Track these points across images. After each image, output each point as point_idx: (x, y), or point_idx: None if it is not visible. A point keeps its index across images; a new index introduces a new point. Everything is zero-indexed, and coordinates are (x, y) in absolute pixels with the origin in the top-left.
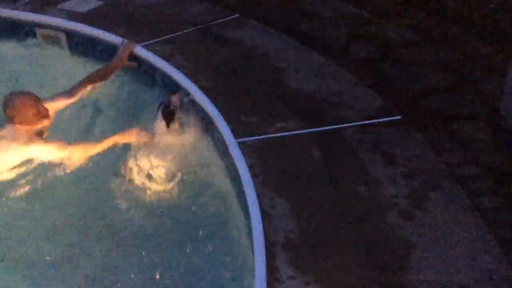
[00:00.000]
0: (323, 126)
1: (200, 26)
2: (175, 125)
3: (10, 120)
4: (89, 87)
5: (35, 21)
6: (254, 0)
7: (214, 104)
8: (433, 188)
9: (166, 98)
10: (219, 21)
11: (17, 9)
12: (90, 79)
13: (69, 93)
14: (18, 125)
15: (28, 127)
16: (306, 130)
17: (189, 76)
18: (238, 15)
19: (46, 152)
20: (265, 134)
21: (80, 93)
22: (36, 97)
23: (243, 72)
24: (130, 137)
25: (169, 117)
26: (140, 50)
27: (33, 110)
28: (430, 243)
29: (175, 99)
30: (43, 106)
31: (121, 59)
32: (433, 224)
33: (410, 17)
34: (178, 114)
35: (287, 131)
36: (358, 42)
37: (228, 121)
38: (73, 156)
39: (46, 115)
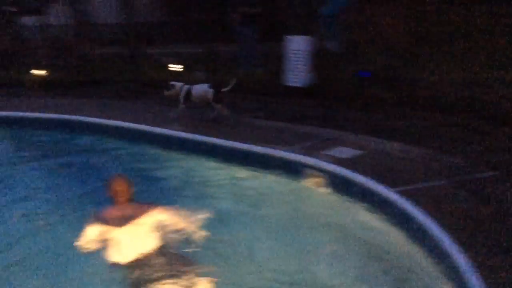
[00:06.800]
0: None
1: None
2: None
3: (121, 199)
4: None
5: (304, 162)
6: None
7: (470, 259)
8: None
9: None
10: (477, 176)
11: (292, 152)
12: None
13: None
14: (127, 203)
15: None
16: None
17: (445, 229)
18: (497, 172)
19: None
20: None
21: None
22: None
23: (502, 230)
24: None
25: None
26: (393, 195)
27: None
28: None
29: None
30: None
31: None
32: None
33: None
34: None
35: None
36: None
37: (485, 278)
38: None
39: None
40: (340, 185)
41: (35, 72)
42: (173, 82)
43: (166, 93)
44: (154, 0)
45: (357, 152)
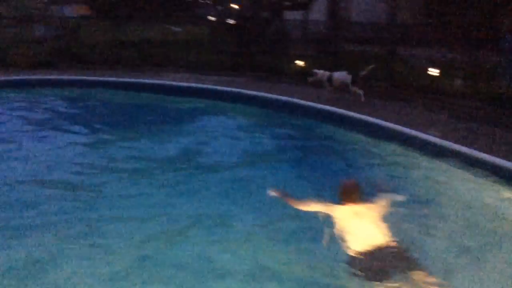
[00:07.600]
0: None
1: None
2: None
3: (351, 200)
4: None
5: None
6: None
7: None
8: None
9: None
10: None
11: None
12: None
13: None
14: (355, 203)
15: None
16: None
17: None
18: None
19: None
20: None
21: None
22: None
23: None
24: None
25: None
26: None
27: None
28: None
29: None
30: None
31: None
32: None
33: None
34: None
35: None
36: None
37: None
38: None
39: None
40: None
41: (297, 62)
42: (315, 70)
43: (310, 79)
44: (416, 1)
45: None
